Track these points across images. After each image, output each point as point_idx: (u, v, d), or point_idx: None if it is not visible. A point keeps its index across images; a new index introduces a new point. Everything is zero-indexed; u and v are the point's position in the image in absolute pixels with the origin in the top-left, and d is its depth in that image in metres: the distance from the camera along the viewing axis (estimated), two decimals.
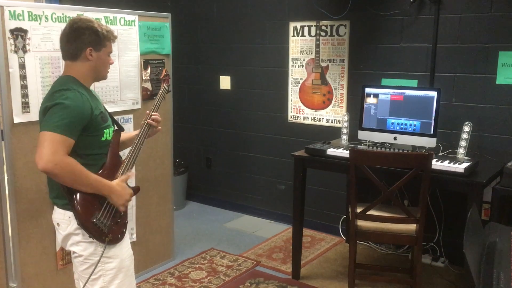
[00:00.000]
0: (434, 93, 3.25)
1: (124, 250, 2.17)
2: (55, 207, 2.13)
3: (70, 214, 2.04)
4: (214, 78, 4.90)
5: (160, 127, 2.39)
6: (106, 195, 2.05)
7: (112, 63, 2.22)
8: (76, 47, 2.07)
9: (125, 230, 2.19)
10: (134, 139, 2.31)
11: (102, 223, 2.04)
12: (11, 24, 2.55)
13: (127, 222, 2.21)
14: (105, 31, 2.12)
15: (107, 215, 2.07)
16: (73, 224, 2.05)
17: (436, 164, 2.93)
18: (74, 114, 1.95)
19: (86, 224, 2.01)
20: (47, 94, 2.06)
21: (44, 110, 1.99)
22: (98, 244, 2.06)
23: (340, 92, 4.13)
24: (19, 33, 2.59)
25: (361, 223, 3.07)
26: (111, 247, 2.09)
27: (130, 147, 2.26)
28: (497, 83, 3.42)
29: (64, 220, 2.08)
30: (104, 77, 2.22)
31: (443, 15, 3.57)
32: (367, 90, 3.49)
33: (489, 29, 3.41)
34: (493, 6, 3.38)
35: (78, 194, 2.00)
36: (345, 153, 3.20)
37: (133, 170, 2.26)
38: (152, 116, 2.33)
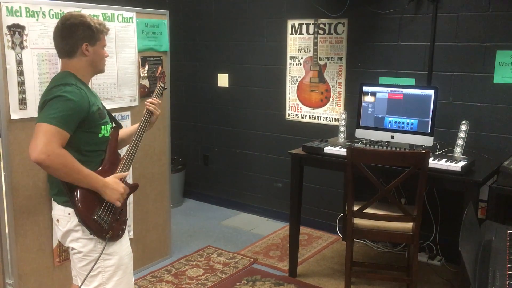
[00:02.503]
0: (431, 92, 3.26)
1: (123, 248, 2.18)
2: (55, 204, 2.13)
3: (70, 210, 2.05)
4: (212, 75, 4.90)
5: (159, 111, 2.43)
6: (100, 190, 2.04)
7: (107, 56, 2.22)
8: (72, 44, 2.07)
9: (125, 227, 2.20)
10: (133, 134, 2.32)
11: (103, 220, 2.04)
12: (8, 20, 2.54)
13: (126, 219, 2.22)
14: (98, 24, 2.12)
15: (107, 212, 2.07)
16: (73, 220, 2.05)
17: (433, 163, 2.93)
18: (71, 107, 1.95)
19: (87, 221, 2.01)
20: (46, 89, 2.06)
21: (43, 104, 1.98)
22: (98, 241, 2.07)
23: (338, 90, 4.14)
24: (17, 30, 2.58)
25: (358, 221, 3.08)
26: (110, 244, 2.10)
27: (129, 144, 2.26)
28: (494, 82, 3.43)
29: (64, 217, 2.08)
30: (101, 71, 2.23)
31: (441, 14, 3.58)
32: (365, 88, 3.49)
33: (487, 28, 3.42)
34: (491, 5, 3.39)
35: (78, 191, 2.00)
36: (342, 151, 3.20)
37: (130, 170, 2.26)
38: (150, 102, 2.38)
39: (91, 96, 2.09)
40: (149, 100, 2.40)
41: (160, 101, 2.45)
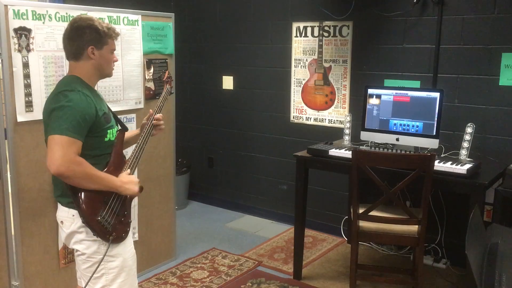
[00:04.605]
0: (436, 94, 3.25)
1: (127, 249, 2.18)
2: (59, 205, 2.14)
3: (74, 212, 2.05)
4: (217, 78, 4.91)
5: (163, 126, 2.41)
6: (119, 189, 2.09)
7: (116, 61, 2.22)
8: (78, 46, 2.07)
9: (129, 229, 2.20)
10: (136, 138, 2.32)
11: (107, 221, 2.05)
12: (15, 23, 2.56)
13: (130, 222, 2.22)
14: (106, 28, 2.12)
15: (111, 214, 2.08)
16: (77, 222, 2.06)
17: (438, 165, 2.92)
18: (80, 115, 1.97)
19: (91, 222, 2.01)
20: (51, 94, 2.06)
21: (50, 112, 1.99)
22: (101, 242, 2.07)
23: (343, 92, 4.14)
24: (23, 32, 2.60)
25: (363, 223, 3.07)
26: (114, 246, 2.10)
27: (134, 147, 2.27)
28: (500, 84, 3.42)
29: (68, 218, 2.09)
30: (109, 75, 2.22)
31: (446, 16, 3.57)
32: (370, 91, 3.49)
33: (492, 31, 3.41)
34: (496, 8, 3.38)
35: (82, 193, 2.01)
36: (347, 154, 3.20)
37: (135, 172, 2.27)
38: (156, 118, 2.36)
39: (97, 101, 2.09)
40: (156, 117, 2.37)
41: (163, 121, 2.41)
